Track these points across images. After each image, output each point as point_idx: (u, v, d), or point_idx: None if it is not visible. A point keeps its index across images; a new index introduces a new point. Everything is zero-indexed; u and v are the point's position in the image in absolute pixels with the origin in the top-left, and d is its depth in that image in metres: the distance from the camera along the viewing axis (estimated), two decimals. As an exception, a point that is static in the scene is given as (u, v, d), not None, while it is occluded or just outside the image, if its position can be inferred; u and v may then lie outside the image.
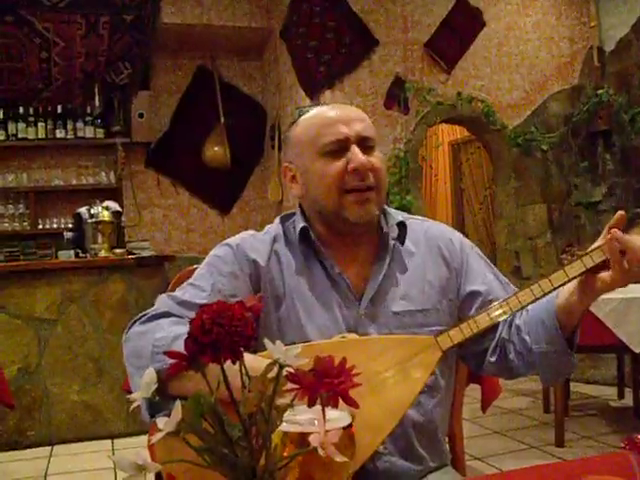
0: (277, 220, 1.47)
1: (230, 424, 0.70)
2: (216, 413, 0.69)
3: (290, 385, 0.70)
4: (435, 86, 5.52)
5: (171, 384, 1.07)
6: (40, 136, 5.89)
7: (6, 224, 5.90)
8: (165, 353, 0.73)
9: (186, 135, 6.23)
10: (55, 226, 5.91)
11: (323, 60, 5.30)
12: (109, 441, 4.15)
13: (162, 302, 1.32)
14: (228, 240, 1.42)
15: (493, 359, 1.36)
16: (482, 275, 1.42)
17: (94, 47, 5.58)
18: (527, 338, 1.30)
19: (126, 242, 5.17)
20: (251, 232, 1.46)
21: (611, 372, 4.80)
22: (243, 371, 0.71)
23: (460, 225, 7.37)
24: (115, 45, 5.61)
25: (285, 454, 0.75)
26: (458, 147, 7.66)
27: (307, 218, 1.41)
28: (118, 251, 4.47)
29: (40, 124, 5.89)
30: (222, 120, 6.24)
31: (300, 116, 1.44)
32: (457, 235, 1.49)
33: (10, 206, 5.93)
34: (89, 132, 6.00)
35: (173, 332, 1.18)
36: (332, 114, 1.37)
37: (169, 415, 0.68)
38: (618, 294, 3.17)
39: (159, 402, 1.01)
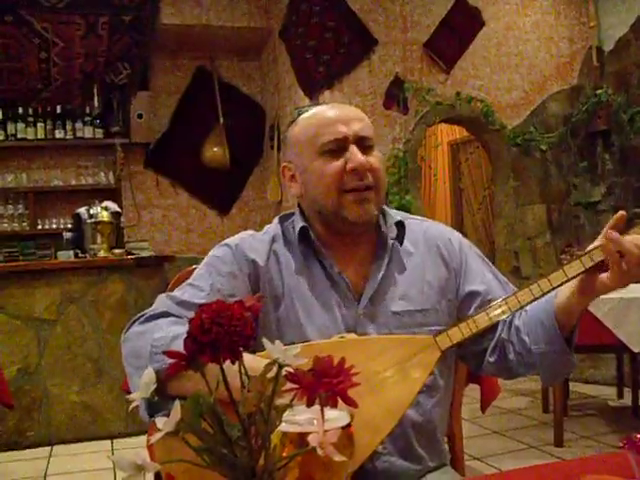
0: (276, 220, 1.47)
1: (229, 424, 0.70)
2: (215, 413, 0.70)
3: (289, 385, 0.70)
4: (434, 86, 5.52)
5: (170, 384, 1.07)
6: (39, 136, 5.90)
7: (5, 224, 5.90)
8: (164, 353, 0.72)
9: (185, 135, 6.23)
10: (54, 226, 5.91)
11: (322, 60, 5.30)
12: (108, 441, 4.15)
13: (161, 302, 1.32)
14: (227, 240, 1.42)
15: (492, 359, 1.36)
16: (481, 275, 1.42)
17: (93, 47, 5.58)
18: (526, 339, 1.30)
19: (125, 242, 5.17)
20: (250, 232, 1.46)
21: (610, 372, 4.80)
22: (242, 371, 0.71)
23: (459, 225, 7.37)
24: (114, 45, 5.61)
25: (284, 454, 0.75)
26: (457, 147, 7.66)
27: (306, 218, 1.41)
28: (117, 251, 4.47)
29: (39, 124, 5.89)
30: (221, 120, 6.24)
31: (299, 116, 1.45)
32: (456, 235, 1.49)
33: (9, 206, 5.94)
34: (88, 132, 6.00)
35: (172, 332, 1.18)
36: (331, 114, 1.37)
37: (168, 415, 0.68)
38: (617, 294, 3.17)
39: (158, 402, 1.01)
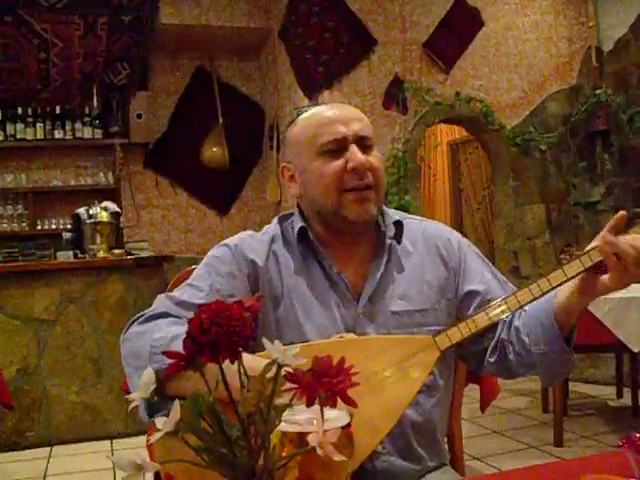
0: (275, 220, 1.47)
1: (229, 424, 0.70)
2: (215, 413, 0.70)
3: (288, 385, 0.70)
4: (433, 86, 5.53)
5: (169, 384, 1.07)
6: (39, 137, 5.89)
7: (5, 225, 5.90)
8: (164, 353, 0.72)
9: (184, 136, 6.23)
10: (54, 227, 5.91)
11: (321, 60, 5.30)
12: (108, 441, 4.15)
13: (160, 302, 1.32)
14: (226, 240, 1.42)
15: (493, 359, 1.36)
16: (480, 274, 1.42)
17: (92, 48, 5.58)
18: (526, 339, 1.30)
19: (125, 243, 5.18)
20: (249, 232, 1.46)
21: (610, 372, 4.81)
22: (241, 371, 0.71)
23: (458, 225, 7.38)
24: (113, 46, 5.61)
25: (284, 454, 0.75)
26: (457, 147, 7.66)
27: (305, 218, 1.42)
28: (117, 252, 4.47)
29: (39, 125, 5.89)
30: (220, 120, 6.24)
31: (298, 116, 1.45)
32: (455, 235, 1.49)
33: (9, 207, 5.93)
34: (87, 133, 6.00)
35: (171, 332, 1.18)
36: (330, 114, 1.37)
37: (168, 415, 0.68)
38: (617, 294, 3.17)
39: (157, 402, 1.01)
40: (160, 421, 0.69)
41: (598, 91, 5.66)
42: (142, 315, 1.28)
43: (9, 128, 5.83)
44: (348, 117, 1.36)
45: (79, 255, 4.58)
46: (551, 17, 5.94)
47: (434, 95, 5.50)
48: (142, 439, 3.78)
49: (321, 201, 1.35)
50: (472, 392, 1.76)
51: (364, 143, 1.34)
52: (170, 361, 0.70)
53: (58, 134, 5.93)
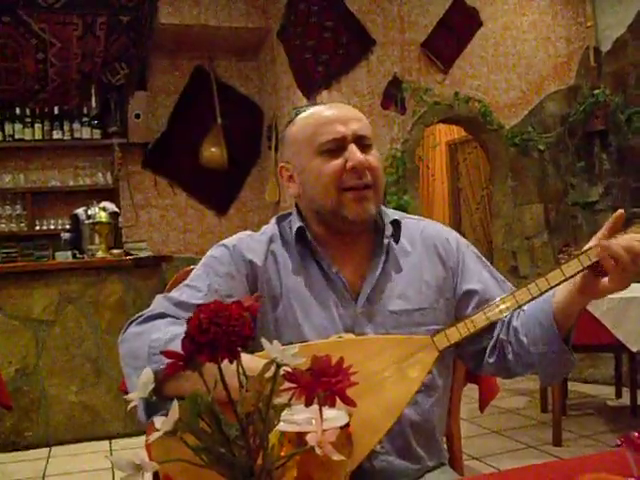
0: (273, 220, 1.47)
1: (227, 423, 0.70)
2: (213, 412, 0.70)
3: (287, 384, 0.70)
4: (432, 86, 5.53)
5: (167, 385, 1.07)
6: (37, 137, 5.90)
7: (3, 225, 5.90)
8: (162, 353, 0.72)
9: (183, 136, 6.22)
10: (52, 227, 5.90)
11: (320, 60, 5.30)
12: (107, 442, 4.15)
13: (158, 303, 1.32)
14: (224, 241, 1.42)
15: (492, 360, 1.37)
16: (478, 274, 1.42)
17: (91, 48, 5.58)
18: (524, 339, 1.30)
19: (123, 243, 5.18)
20: (247, 233, 1.46)
21: (609, 371, 4.81)
22: (240, 371, 0.71)
23: (457, 225, 7.38)
24: (112, 46, 5.60)
25: (282, 453, 0.75)
26: (455, 147, 7.67)
27: (303, 218, 1.42)
28: (115, 252, 4.47)
29: (37, 125, 5.89)
30: (219, 121, 6.23)
31: (297, 116, 1.44)
32: (453, 234, 1.50)
33: (7, 207, 5.93)
34: (86, 133, 6.00)
35: (169, 333, 1.18)
36: (329, 113, 1.37)
37: (166, 415, 0.68)
38: (616, 294, 3.18)
39: (156, 403, 1.01)
40: (159, 421, 0.69)
41: (596, 91, 5.66)
42: (140, 316, 1.28)
43: (7, 128, 5.83)
44: (347, 117, 1.36)
45: (78, 255, 4.58)
46: (549, 17, 5.94)
47: (433, 95, 5.50)
48: (141, 439, 3.78)
49: (320, 200, 1.35)
50: (471, 392, 1.76)
51: (363, 142, 1.35)
52: (169, 361, 0.70)
53: (56, 134, 5.93)
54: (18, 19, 5.14)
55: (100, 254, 4.38)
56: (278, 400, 0.71)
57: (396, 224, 1.42)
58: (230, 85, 6.44)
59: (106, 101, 6.00)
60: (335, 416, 0.82)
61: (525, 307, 1.28)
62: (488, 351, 1.37)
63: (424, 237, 1.45)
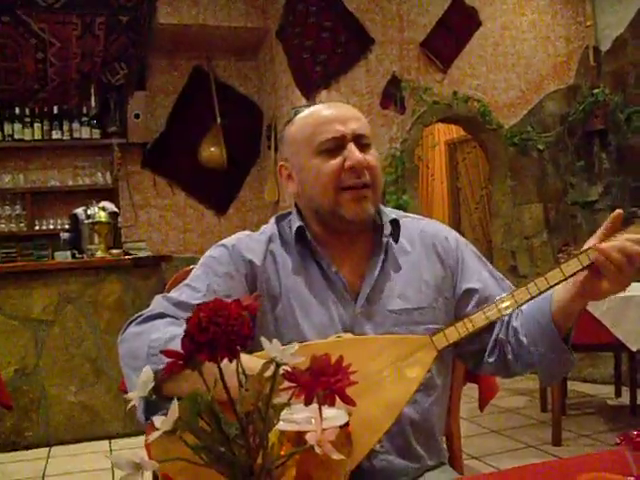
0: (272, 220, 1.47)
1: (227, 423, 0.70)
2: (213, 411, 0.70)
3: (287, 384, 0.70)
4: (431, 85, 5.53)
5: (166, 386, 1.06)
6: (36, 137, 5.89)
7: (3, 225, 5.90)
8: (162, 352, 0.72)
9: (182, 135, 6.23)
10: (52, 227, 5.90)
11: (319, 60, 5.30)
12: (107, 442, 4.15)
13: (157, 303, 1.32)
14: (224, 241, 1.42)
15: (491, 359, 1.37)
16: (478, 273, 1.42)
17: (90, 48, 5.57)
18: (524, 339, 1.30)
19: (123, 243, 5.18)
20: (247, 232, 1.46)
21: (608, 371, 4.81)
22: (240, 370, 0.71)
23: (456, 224, 7.38)
24: (111, 46, 5.60)
25: (282, 452, 0.75)
26: (454, 146, 7.67)
27: (303, 217, 1.42)
28: (115, 252, 4.47)
29: (36, 125, 5.89)
30: (218, 120, 6.23)
31: (295, 115, 1.45)
32: (452, 233, 1.50)
33: (7, 207, 5.93)
34: (85, 133, 6.00)
35: (169, 333, 1.18)
36: (328, 113, 1.37)
37: (166, 415, 0.68)
38: (614, 293, 3.18)
39: (155, 403, 1.01)
40: (158, 420, 0.69)
41: (596, 90, 5.66)
42: (140, 316, 1.28)
43: (7, 128, 5.83)
44: (346, 116, 1.36)
45: (77, 255, 4.58)
46: (549, 17, 5.94)
47: (432, 94, 5.50)
48: (140, 439, 3.78)
49: (318, 199, 1.35)
50: (471, 391, 1.76)
51: (362, 142, 1.35)
52: (168, 360, 0.70)
53: (56, 134, 5.93)
54: (17, 19, 5.14)
55: (99, 254, 4.38)
56: (278, 399, 0.71)
57: (395, 223, 1.42)
58: (229, 85, 6.44)
59: (105, 101, 6.00)
60: (335, 415, 0.82)
61: (524, 307, 1.28)
62: (488, 351, 1.37)
63: (423, 236, 1.45)
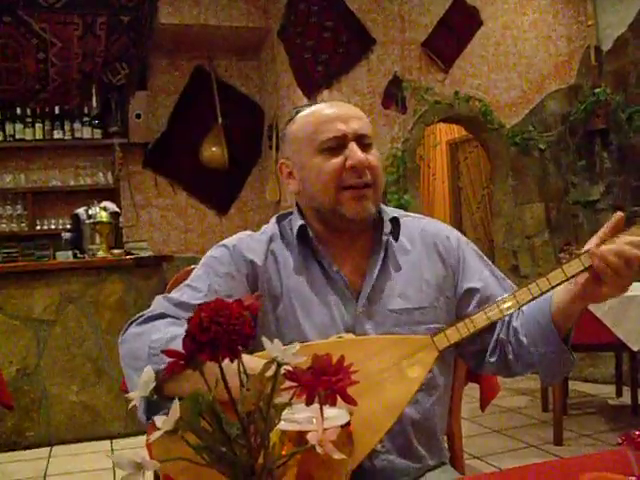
0: (273, 220, 1.47)
1: (228, 422, 0.70)
2: (214, 411, 0.70)
3: (288, 383, 0.70)
4: (432, 85, 5.52)
5: (167, 385, 1.06)
6: (38, 137, 5.90)
7: (4, 225, 5.90)
8: (163, 352, 0.72)
9: (184, 135, 6.23)
10: (53, 227, 5.91)
11: (320, 60, 5.30)
12: (108, 441, 4.15)
13: (158, 304, 1.32)
14: (224, 241, 1.42)
15: (493, 359, 1.37)
16: (479, 272, 1.42)
17: (91, 48, 5.58)
18: (524, 340, 1.30)
19: (124, 242, 5.18)
20: (248, 232, 1.46)
21: (609, 370, 4.81)
22: (241, 369, 0.71)
23: (458, 224, 7.37)
24: (112, 46, 5.60)
25: (283, 452, 0.75)
26: (456, 146, 7.66)
27: (304, 216, 1.42)
28: (116, 251, 4.47)
29: (38, 125, 5.89)
30: (220, 120, 6.24)
31: (297, 115, 1.44)
32: (454, 232, 1.50)
33: (8, 207, 5.93)
34: (86, 133, 6.01)
35: (169, 333, 1.18)
36: (330, 111, 1.37)
37: (167, 414, 0.68)
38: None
39: (156, 403, 1.01)
40: (160, 420, 0.69)
41: (597, 90, 5.65)
42: (140, 316, 1.28)
43: (8, 128, 5.84)
44: (348, 115, 1.36)
45: (78, 255, 4.58)
46: (550, 16, 5.94)
47: (433, 94, 5.50)
48: (142, 439, 3.78)
49: (319, 198, 1.35)
50: (472, 391, 1.76)
51: (363, 141, 1.35)
52: (170, 360, 0.70)
53: (57, 134, 5.93)
54: (19, 19, 5.14)
55: (101, 254, 4.38)
56: (279, 399, 0.71)
57: (395, 221, 1.42)
58: (230, 85, 6.44)
59: (107, 101, 6.01)
60: (336, 415, 0.82)
61: (524, 308, 1.27)
62: (489, 351, 1.37)
63: (424, 235, 1.45)
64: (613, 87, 5.62)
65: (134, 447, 3.85)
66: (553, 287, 1.19)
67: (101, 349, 4.24)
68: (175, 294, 1.34)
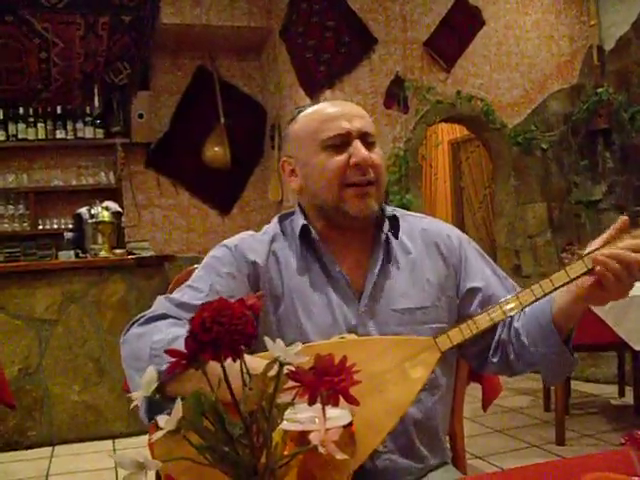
0: (275, 220, 1.47)
1: (231, 422, 0.70)
2: (217, 411, 0.70)
3: (291, 383, 0.70)
4: (434, 85, 5.52)
5: (170, 385, 1.06)
6: (40, 137, 5.90)
7: (6, 225, 5.91)
8: (166, 352, 0.72)
9: (186, 135, 6.23)
10: (55, 226, 5.91)
11: (322, 59, 5.30)
12: (110, 441, 4.15)
13: (160, 304, 1.31)
14: (226, 241, 1.42)
15: (495, 359, 1.37)
16: (481, 271, 1.42)
17: (93, 48, 5.58)
18: (525, 340, 1.30)
19: (126, 242, 5.17)
20: (249, 232, 1.46)
21: (611, 370, 4.80)
22: (244, 369, 0.71)
23: (460, 224, 7.37)
24: (114, 46, 5.61)
25: (286, 452, 0.75)
26: (458, 146, 7.66)
27: (306, 215, 1.42)
28: (118, 251, 4.47)
29: (40, 125, 5.90)
30: (222, 120, 6.24)
31: (299, 114, 1.44)
32: (455, 231, 1.49)
33: (10, 207, 5.94)
34: (89, 133, 6.01)
35: (171, 334, 1.18)
36: (333, 110, 1.38)
37: (170, 414, 0.68)
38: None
39: (159, 403, 1.01)
40: (162, 419, 0.69)
41: (599, 90, 5.65)
42: (142, 317, 1.28)
43: (11, 128, 5.84)
44: (351, 113, 1.36)
45: (80, 255, 4.58)
46: (552, 16, 5.94)
47: (435, 94, 5.50)
48: (144, 439, 3.77)
49: (322, 195, 1.35)
50: (474, 391, 1.76)
51: (367, 140, 1.35)
52: (172, 360, 0.70)
53: (59, 134, 5.94)
54: (21, 19, 5.15)
55: (103, 254, 4.39)
56: (281, 399, 0.71)
57: (394, 219, 1.42)
58: (233, 84, 6.44)
59: (109, 101, 6.01)
60: (338, 415, 0.82)
61: (526, 309, 1.27)
62: (491, 351, 1.37)
63: (425, 234, 1.45)
64: (615, 87, 5.62)
65: (136, 447, 3.84)
66: (556, 288, 1.19)
67: (103, 349, 4.24)
68: (176, 294, 1.33)
